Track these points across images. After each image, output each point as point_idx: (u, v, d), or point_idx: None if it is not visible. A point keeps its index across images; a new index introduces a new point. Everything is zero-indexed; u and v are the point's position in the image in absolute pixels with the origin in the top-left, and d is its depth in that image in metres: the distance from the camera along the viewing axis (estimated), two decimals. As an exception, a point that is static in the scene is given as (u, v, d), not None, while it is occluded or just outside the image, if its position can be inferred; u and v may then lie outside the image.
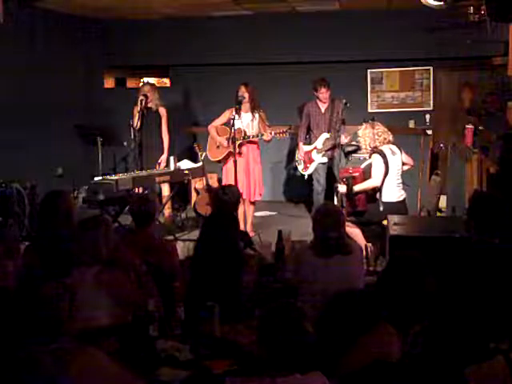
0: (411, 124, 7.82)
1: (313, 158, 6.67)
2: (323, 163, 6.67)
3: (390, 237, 4.20)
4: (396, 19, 7.38)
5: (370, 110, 8.00)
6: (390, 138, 5.35)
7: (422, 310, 2.50)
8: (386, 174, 5.20)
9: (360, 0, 7.03)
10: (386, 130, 5.37)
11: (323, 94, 6.61)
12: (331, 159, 6.64)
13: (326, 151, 6.57)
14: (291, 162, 8.19)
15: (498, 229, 3.08)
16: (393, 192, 5.26)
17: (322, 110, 6.70)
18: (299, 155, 6.80)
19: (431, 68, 7.88)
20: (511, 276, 2.89)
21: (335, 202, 6.71)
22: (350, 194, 5.25)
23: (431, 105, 7.93)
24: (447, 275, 2.92)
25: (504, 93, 6.58)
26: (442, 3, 5.35)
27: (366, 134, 5.31)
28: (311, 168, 6.72)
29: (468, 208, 3.38)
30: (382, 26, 7.49)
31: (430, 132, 7.67)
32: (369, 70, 8.02)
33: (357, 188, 5.25)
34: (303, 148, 6.74)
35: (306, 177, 6.85)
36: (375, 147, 5.26)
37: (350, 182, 5.22)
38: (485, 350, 2.34)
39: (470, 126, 6.19)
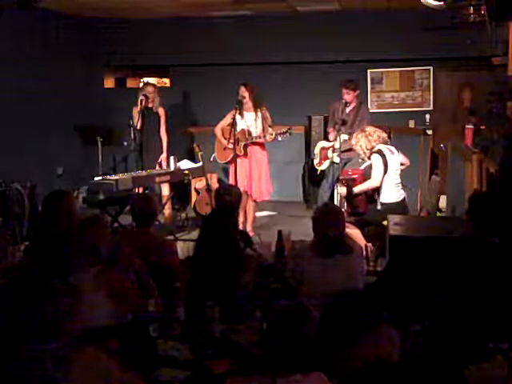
0: (411, 124, 7.83)
1: (328, 155, 6.72)
2: (337, 163, 6.69)
3: (390, 237, 4.19)
4: (396, 19, 7.38)
5: (370, 110, 7.99)
6: (384, 135, 5.35)
7: (421, 310, 2.50)
8: (385, 173, 5.21)
9: (360, 0, 7.03)
10: (376, 128, 5.38)
11: (344, 94, 6.61)
12: (346, 160, 6.62)
13: (342, 152, 6.56)
14: (291, 162, 8.21)
15: (497, 229, 3.08)
16: (391, 193, 5.25)
17: (346, 111, 6.68)
18: (318, 149, 6.86)
19: (431, 68, 7.88)
20: (511, 276, 2.89)
21: (335, 202, 6.75)
22: (349, 195, 5.26)
23: (431, 105, 7.94)
24: (447, 275, 2.91)
25: (504, 93, 6.58)
26: (441, 3, 5.35)
27: (360, 139, 5.31)
28: (325, 165, 6.78)
29: (468, 208, 3.38)
30: (382, 26, 7.49)
31: (430, 132, 7.67)
32: (369, 70, 8.02)
33: (356, 190, 5.28)
34: (322, 144, 6.84)
35: (318, 172, 6.92)
36: (372, 148, 5.26)
37: (350, 183, 5.24)
38: (485, 349, 2.34)
39: (470, 126, 6.18)
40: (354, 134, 5.45)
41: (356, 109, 6.63)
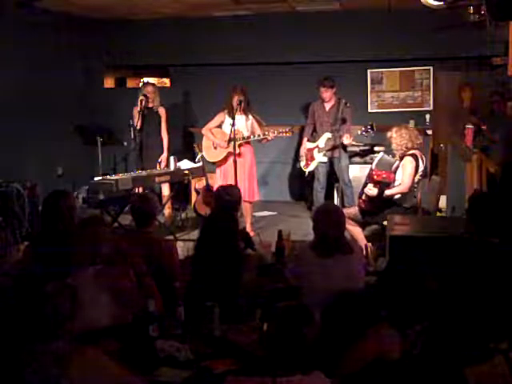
0: (411, 124, 7.80)
1: (314, 156, 6.70)
2: (324, 162, 6.69)
3: (390, 237, 4.19)
4: (396, 19, 7.38)
5: (370, 110, 8.00)
6: (421, 140, 5.25)
7: (422, 310, 2.50)
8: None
9: (360, 0, 7.03)
10: (417, 131, 5.29)
11: (323, 93, 6.64)
12: (333, 159, 6.64)
13: (327, 151, 6.58)
14: (291, 161, 8.20)
15: (497, 229, 3.08)
16: (403, 198, 5.21)
17: (327, 109, 6.71)
18: (302, 152, 6.84)
19: (431, 68, 7.87)
20: (511, 276, 2.89)
21: (335, 201, 6.75)
22: (379, 197, 5.14)
23: (431, 105, 7.93)
24: (447, 275, 2.92)
25: (504, 93, 6.58)
26: (442, 3, 5.35)
27: (402, 134, 5.14)
28: (312, 166, 6.76)
29: (468, 208, 3.38)
30: (382, 26, 7.48)
31: (429, 132, 7.67)
32: (369, 70, 8.01)
33: (388, 193, 5.11)
34: (306, 145, 6.80)
35: (306, 174, 6.89)
36: (408, 148, 5.12)
37: (383, 187, 5.08)
38: (485, 349, 2.34)
39: (470, 126, 6.19)
40: (396, 128, 5.24)
41: (336, 105, 6.64)
